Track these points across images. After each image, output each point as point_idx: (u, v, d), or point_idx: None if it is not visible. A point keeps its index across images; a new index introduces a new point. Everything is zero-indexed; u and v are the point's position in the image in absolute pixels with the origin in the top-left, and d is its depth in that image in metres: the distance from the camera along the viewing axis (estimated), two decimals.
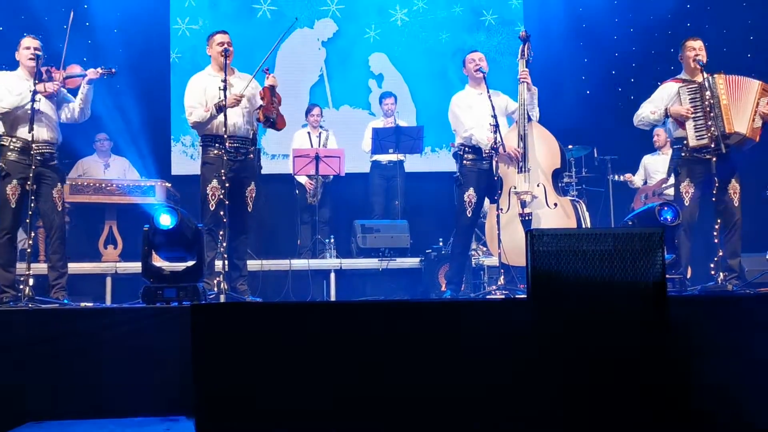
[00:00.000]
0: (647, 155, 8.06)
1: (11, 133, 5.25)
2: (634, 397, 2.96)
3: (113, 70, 5.44)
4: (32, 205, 5.13)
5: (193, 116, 5.57)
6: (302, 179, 7.90)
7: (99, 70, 5.38)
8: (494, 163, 5.55)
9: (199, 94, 5.58)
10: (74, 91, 5.54)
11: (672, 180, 7.38)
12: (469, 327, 3.22)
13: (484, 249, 6.92)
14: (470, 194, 5.68)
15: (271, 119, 5.53)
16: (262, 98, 5.56)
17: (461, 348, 3.18)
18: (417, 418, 3.12)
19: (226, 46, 5.49)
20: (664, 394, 2.98)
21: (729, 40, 8.34)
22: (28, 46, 5.30)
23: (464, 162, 5.77)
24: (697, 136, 5.38)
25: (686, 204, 5.42)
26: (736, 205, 5.41)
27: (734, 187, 5.42)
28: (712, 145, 5.30)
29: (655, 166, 7.88)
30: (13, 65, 5.46)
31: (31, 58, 5.23)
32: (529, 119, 5.69)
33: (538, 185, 5.60)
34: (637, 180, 8.06)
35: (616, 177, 8.07)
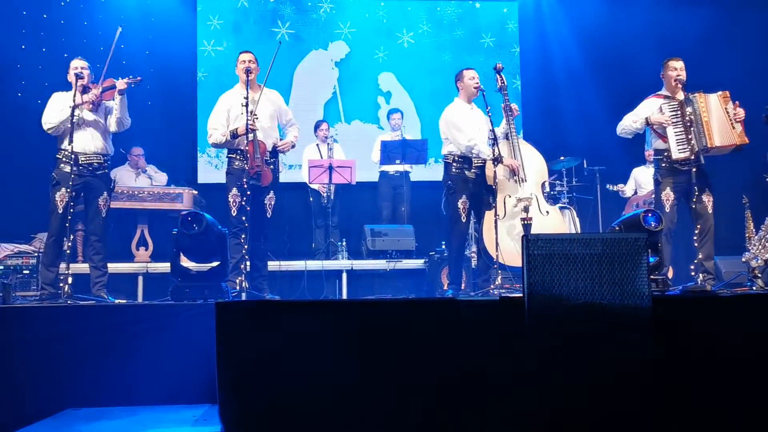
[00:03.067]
0: (637, 168, 8.02)
1: (62, 146, 5.32)
2: (622, 389, 2.95)
3: (139, 78, 5.45)
4: (71, 210, 5.16)
5: (212, 138, 5.69)
6: (315, 186, 7.92)
7: (127, 79, 5.41)
8: (493, 172, 5.53)
9: (222, 116, 5.65)
10: None
11: None
12: (468, 323, 3.22)
13: None
14: (463, 201, 5.67)
15: (256, 180, 5.52)
16: (247, 154, 5.48)
17: (462, 342, 3.18)
18: (419, 406, 3.11)
19: (247, 64, 5.55)
20: (650, 387, 2.96)
21: (713, 59, 8.33)
22: (75, 66, 5.39)
23: (452, 170, 5.73)
24: (679, 150, 5.37)
25: (667, 210, 5.41)
26: (710, 212, 5.40)
27: (708, 196, 5.42)
28: (692, 158, 5.31)
29: (646, 179, 7.84)
30: (58, 83, 5.51)
31: (79, 78, 5.30)
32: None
33: (531, 194, 5.59)
34: (627, 190, 8.03)
35: (610, 187, 8.04)
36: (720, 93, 5.43)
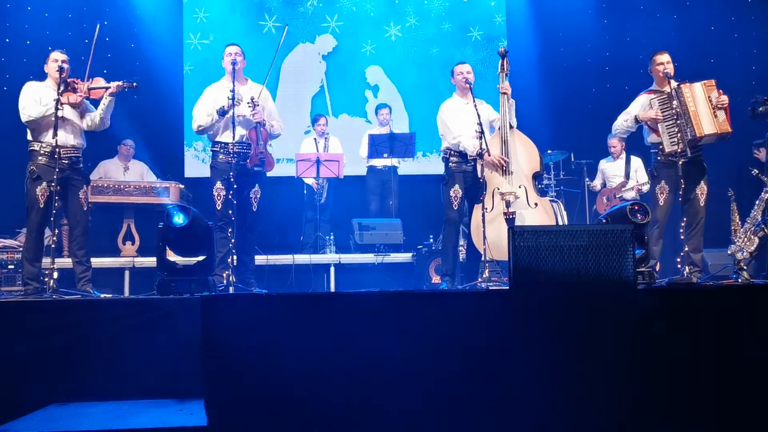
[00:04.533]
0: (603, 160, 8.06)
1: (41, 139, 5.23)
2: (606, 379, 2.96)
3: (135, 84, 5.36)
4: (56, 204, 5.12)
5: (197, 122, 5.64)
6: (309, 181, 7.92)
7: (121, 83, 5.34)
8: (479, 166, 5.56)
9: (208, 106, 5.62)
10: (96, 102, 5.51)
11: (630, 183, 7.49)
12: (456, 315, 3.23)
13: None
14: (456, 190, 5.69)
15: (259, 166, 5.58)
16: (248, 140, 5.56)
17: (450, 333, 3.19)
18: (411, 396, 3.12)
19: (233, 57, 5.53)
20: (633, 376, 2.98)
21: (694, 47, 8.40)
22: (56, 59, 5.30)
23: (450, 164, 5.77)
24: (671, 143, 5.38)
25: (660, 204, 5.42)
26: (702, 205, 5.42)
27: (702, 189, 5.43)
28: (681, 150, 5.32)
29: (612, 171, 7.91)
30: (41, 76, 5.45)
31: (57, 70, 5.23)
32: (510, 126, 5.69)
33: (520, 187, 5.60)
34: (597, 184, 8.06)
35: (589, 183, 8.07)
36: (704, 81, 5.43)
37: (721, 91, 5.36)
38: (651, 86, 5.70)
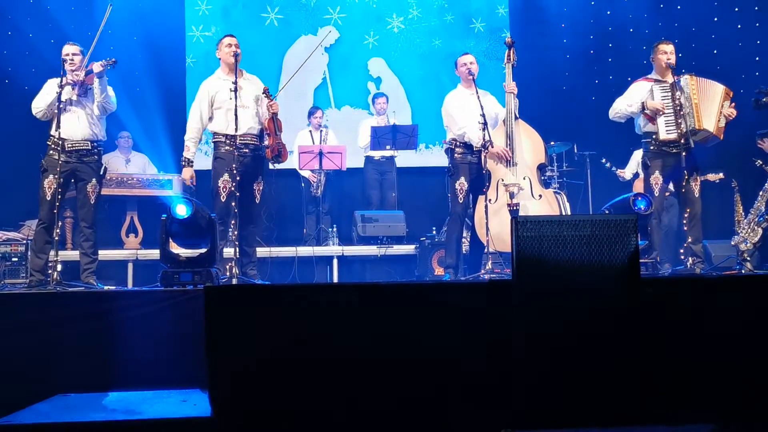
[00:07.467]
0: (639, 150, 7.93)
1: (50, 132, 5.27)
2: (610, 370, 2.96)
3: (113, 60, 5.30)
4: (59, 197, 5.13)
5: (188, 151, 5.71)
6: (305, 173, 7.90)
7: (102, 62, 5.31)
8: (483, 157, 5.55)
9: (205, 104, 5.59)
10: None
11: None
12: (459, 305, 3.23)
13: None
14: (461, 182, 5.69)
15: (278, 157, 5.58)
16: (266, 131, 5.56)
17: (454, 324, 3.19)
18: (413, 388, 3.13)
19: (234, 48, 5.48)
20: (637, 367, 2.98)
21: (696, 37, 8.39)
22: (67, 52, 5.32)
23: (455, 155, 5.77)
24: (667, 131, 5.40)
25: (656, 194, 5.43)
26: (697, 196, 5.43)
27: (696, 180, 5.44)
28: (681, 141, 5.33)
29: None
30: (42, 69, 5.46)
31: (66, 62, 5.25)
32: (516, 117, 5.69)
33: (524, 178, 5.60)
34: (627, 173, 7.97)
35: (609, 165, 7.92)
36: (726, 88, 5.48)
37: (734, 104, 5.42)
38: (650, 74, 5.69)
